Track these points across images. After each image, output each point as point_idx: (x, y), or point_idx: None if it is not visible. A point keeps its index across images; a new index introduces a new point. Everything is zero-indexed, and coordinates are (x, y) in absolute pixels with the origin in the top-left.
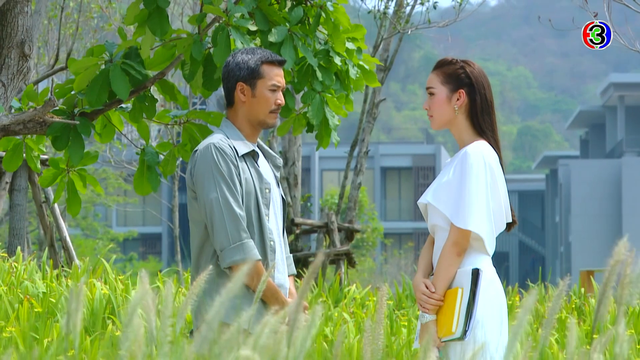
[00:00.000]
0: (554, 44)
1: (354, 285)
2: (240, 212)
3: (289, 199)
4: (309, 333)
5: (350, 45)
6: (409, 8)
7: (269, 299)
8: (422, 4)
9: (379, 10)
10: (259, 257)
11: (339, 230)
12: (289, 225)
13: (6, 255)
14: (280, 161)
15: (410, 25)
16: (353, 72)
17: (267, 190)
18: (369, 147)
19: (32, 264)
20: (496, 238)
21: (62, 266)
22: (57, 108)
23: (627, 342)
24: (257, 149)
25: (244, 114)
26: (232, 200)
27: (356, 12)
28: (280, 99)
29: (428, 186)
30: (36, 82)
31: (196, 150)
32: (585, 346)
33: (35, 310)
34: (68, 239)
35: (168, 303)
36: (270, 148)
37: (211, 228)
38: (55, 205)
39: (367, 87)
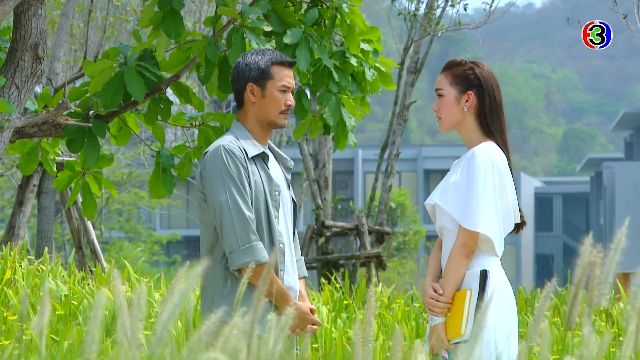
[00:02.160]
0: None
1: (380, 286)
2: (249, 214)
3: (319, 201)
4: (280, 335)
5: (365, 46)
6: (439, 10)
7: (278, 301)
8: (452, 5)
9: (409, 12)
10: (268, 260)
11: (370, 232)
12: (320, 228)
13: (33, 257)
14: (291, 163)
15: (441, 27)
16: (369, 73)
17: (277, 193)
18: (399, 150)
19: (58, 266)
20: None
21: (91, 269)
22: (71, 110)
23: (594, 343)
24: (267, 151)
25: (254, 115)
26: (241, 203)
27: (386, 14)
28: (290, 100)
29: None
30: (66, 84)
31: (206, 152)
32: (610, 349)
33: (57, 312)
34: (96, 241)
35: (141, 306)
36: (300, 151)
37: (220, 230)
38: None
39: (397, 89)
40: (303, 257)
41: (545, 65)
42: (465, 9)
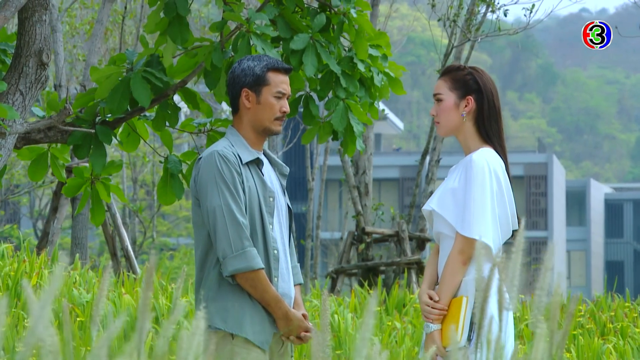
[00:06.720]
0: None
1: (416, 293)
2: (243, 220)
3: (360, 207)
4: (194, 341)
5: (374, 52)
6: (480, 16)
7: (272, 308)
8: (492, 11)
9: (448, 18)
10: (262, 266)
11: (410, 239)
12: (360, 234)
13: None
14: (286, 169)
15: (481, 33)
16: (378, 79)
17: (271, 199)
18: (440, 156)
19: (87, 272)
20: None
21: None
22: (77, 116)
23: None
24: (262, 157)
25: (249, 121)
26: (235, 208)
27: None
28: (285, 107)
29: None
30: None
31: (200, 157)
32: None
33: (79, 319)
34: (130, 247)
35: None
36: (340, 157)
37: (214, 236)
38: (117, 214)
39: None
40: (299, 264)
41: (619, 71)
42: (505, 15)
